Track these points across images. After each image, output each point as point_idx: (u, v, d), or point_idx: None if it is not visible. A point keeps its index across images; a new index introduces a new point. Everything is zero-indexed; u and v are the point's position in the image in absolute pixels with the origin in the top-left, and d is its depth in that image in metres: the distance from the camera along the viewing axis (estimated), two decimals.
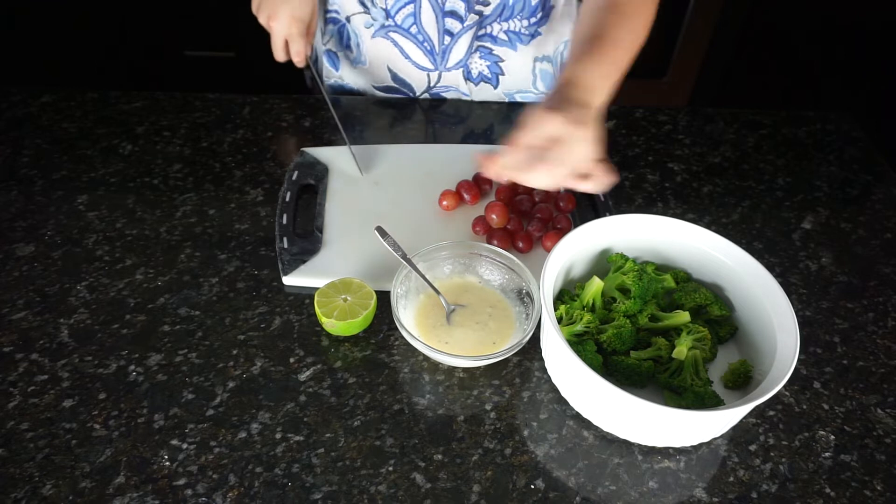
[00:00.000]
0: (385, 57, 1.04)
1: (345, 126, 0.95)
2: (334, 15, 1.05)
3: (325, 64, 1.09)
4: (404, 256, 0.74)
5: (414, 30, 0.99)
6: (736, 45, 2.16)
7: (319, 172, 0.91)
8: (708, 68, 2.21)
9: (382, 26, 1.01)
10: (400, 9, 0.97)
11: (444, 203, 0.86)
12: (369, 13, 1.00)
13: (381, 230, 0.77)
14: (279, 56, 0.93)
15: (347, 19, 1.04)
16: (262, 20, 0.91)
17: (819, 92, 2.05)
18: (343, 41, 1.07)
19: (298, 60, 0.93)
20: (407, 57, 1.03)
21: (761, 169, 0.98)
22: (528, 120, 0.67)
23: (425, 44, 1.00)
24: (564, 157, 0.66)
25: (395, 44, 1.02)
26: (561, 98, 0.69)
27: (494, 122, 1.03)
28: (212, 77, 1.90)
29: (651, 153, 0.99)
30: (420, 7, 0.96)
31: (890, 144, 1.20)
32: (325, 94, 0.95)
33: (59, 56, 1.87)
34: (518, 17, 0.98)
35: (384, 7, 0.98)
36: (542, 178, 0.67)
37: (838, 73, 2.01)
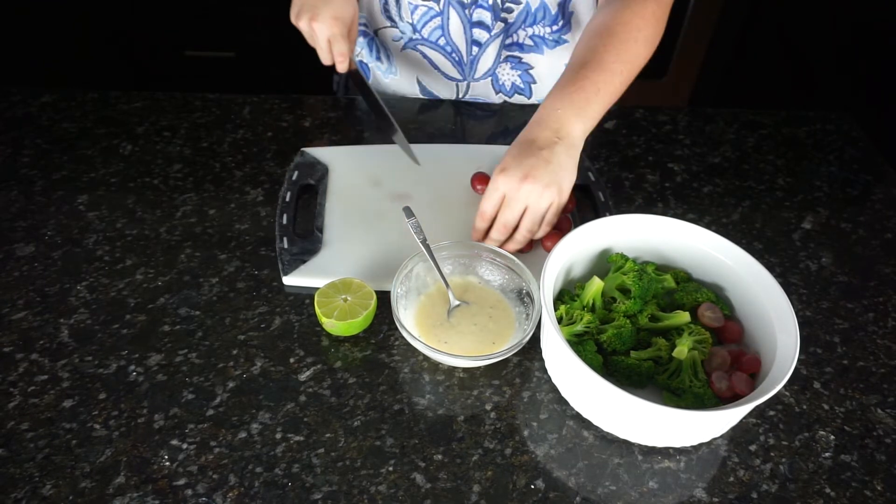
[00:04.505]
0: (414, 69, 1.06)
1: (378, 123, 0.94)
2: (363, 28, 1.06)
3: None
4: (424, 241, 0.74)
5: (442, 41, 1.00)
6: (736, 45, 2.16)
7: (319, 172, 0.91)
8: (708, 68, 2.21)
9: (411, 39, 1.01)
10: (426, 23, 0.98)
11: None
12: (397, 27, 1.01)
13: (408, 210, 0.77)
14: (325, 58, 0.90)
15: (375, 32, 1.05)
16: (303, 24, 0.87)
17: (819, 92, 2.05)
18: (373, 53, 1.08)
19: (341, 61, 0.89)
20: (436, 67, 1.04)
21: (761, 169, 0.98)
22: (489, 188, 0.75)
23: (453, 55, 1.01)
24: (528, 224, 0.75)
25: (424, 55, 1.03)
26: (523, 146, 0.75)
27: (510, 124, 1.03)
28: (212, 77, 1.90)
29: (651, 153, 0.99)
30: (448, 19, 0.97)
31: (890, 144, 1.20)
32: (375, 94, 0.93)
33: (59, 56, 1.87)
34: (541, 24, 0.99)
35: (410, 22, 0.99)
36: (516, 246, 0.78)
37: (838, 73, 2.01)
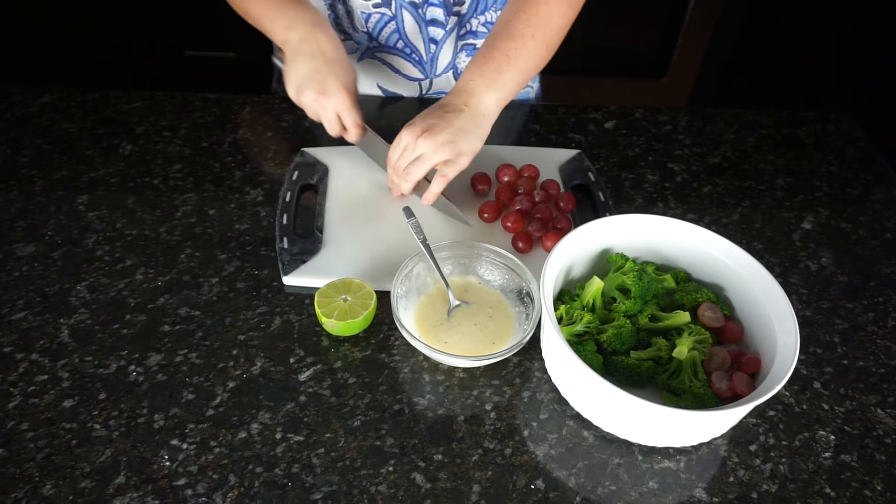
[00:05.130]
0: (374, 76, 1.06)
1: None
2: None
3: None
4: (424, 241, 0.74)
5: (400, 45, 1.00)
6: (736, 45, 2.16)
7: (319, 172, 0.91)
8: (708, 68, 2.22)
9: (368, 48, 1.01)
10: (382, 28, 0.98)
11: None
12: (351, 38, 1.01)
13: (408, 210, 0.79)
14: (334, 131, 0.85)
15: None
16: (307, 100, 0.82)
17: (819, 92, 2.05)
18: None
19: (357, 132, 0.86)
20: (397, 72, 1.04)
21: (761, 169, 0.98)
22: (396, 138, 0.80)
23: (413, 55, 1.01)
24: (412, 167, 0.80)
25: (384, 61, 1.03)
26: (434, 108, 0.80)
27: None
28: (212, 77, 1.90)
29: (651, 153, 0.99)
30: (402, 22, 0.97)
31: (890, 144, 1.20)
32: (378, 137, 0.88)
33: (59, 56, 1.87)
34: (492, 9, 0.99)
35: (366, 30, 0.99)
36: (402, 186, 0.83)
37: (838, 74, 2.01)
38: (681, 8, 2.09)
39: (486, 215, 0.85)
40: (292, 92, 0.83)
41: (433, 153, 0.78)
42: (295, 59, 0.82)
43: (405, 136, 0.79)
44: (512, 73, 0.81)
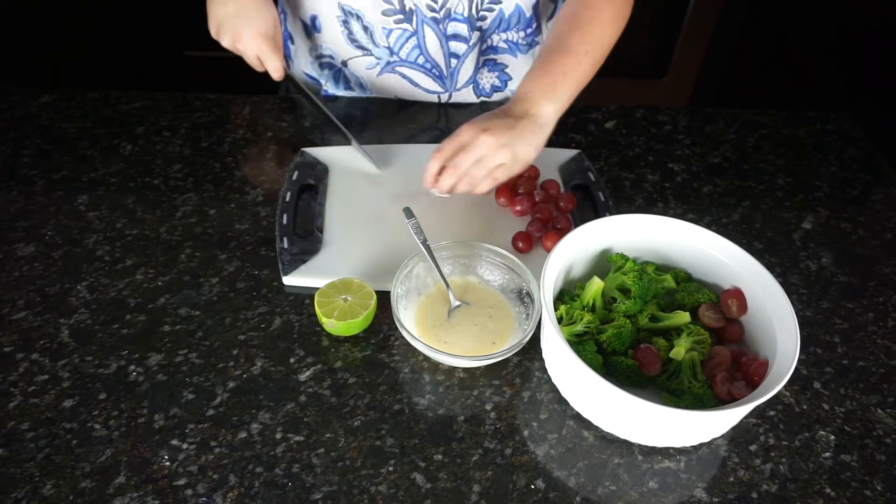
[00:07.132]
0: (393, 90, 1.05)
1: (344, 126, 0.95)
2: (328, 60, 1.04)
3: None
4: (424, 242, 0.74)
5: (421, 60, 0.99)
6: (736, 45, 2.16)
7: (319, 172, 0.91)
8: (708, 68, 2.22)
9: (388, 63, 1.01)
10: (403, 44, 0.98)
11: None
12: (371, 54, 1.00)
13: (408, 211, 0.78)
14: (257, 68, 0.93)
15: (344, 63, 1.03)
16: (225, 44, 0.89)
17: (819, 92, 2.05)
18: (340, 84, 1.07)
19: (278, 76, 0.92)
20: (417, 85, 1.03)
21: (761, 169, 0.98)
22: (452, 134, 0.78)
23: (433, 70, 1.01)
24: (474, 171, 0.77)
25: (404, 76, 1.02)
26: (499, 112, 0.80)
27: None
28: (212, 77, 1.90)
29: (651, 153, 0.99)
30: (424, 38, 0.97)
31: (890, 144, 1.20)
32: (315, 98, 0.95)
33: (59, 56, 1.87)
34: (514, 28, 0.99)
35: (387, 45, 0.98)
36: (458, 188, 0.79)
37: (838, 73, 2.01)
38: (680, 8, 2.09)
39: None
40: (213, 32, 0.90)
41: (492, 155, 0.77)
42: (212, 0, 0.88)
43: (465, 132, 0.78)
44: (566, 88, 0.82)
